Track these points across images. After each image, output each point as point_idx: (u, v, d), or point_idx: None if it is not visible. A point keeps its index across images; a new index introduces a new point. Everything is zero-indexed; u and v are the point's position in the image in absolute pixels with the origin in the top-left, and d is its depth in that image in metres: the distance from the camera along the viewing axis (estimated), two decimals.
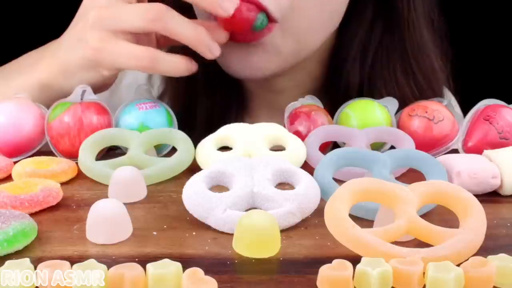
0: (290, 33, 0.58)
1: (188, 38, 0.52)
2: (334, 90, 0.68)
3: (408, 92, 0.66)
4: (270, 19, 0.56)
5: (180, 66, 0.53)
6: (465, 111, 0.55)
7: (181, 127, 0.54)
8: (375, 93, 0.66)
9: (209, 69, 0.67)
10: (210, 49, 0.53)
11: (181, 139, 0.51)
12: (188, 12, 0.58)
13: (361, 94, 0.66)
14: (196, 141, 0.51)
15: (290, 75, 0.67)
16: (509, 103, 0.54)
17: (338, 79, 0.68)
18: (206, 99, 0.69)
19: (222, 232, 0.40)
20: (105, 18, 0.52)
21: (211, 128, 0.52)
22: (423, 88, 0.67)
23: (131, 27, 0.52)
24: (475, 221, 0.37)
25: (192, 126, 0.66)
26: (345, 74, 0.67)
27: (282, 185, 0.44)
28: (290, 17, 0.57)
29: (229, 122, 0.53)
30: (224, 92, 0.70)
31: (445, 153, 0.52)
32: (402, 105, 0.58)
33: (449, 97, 0.71)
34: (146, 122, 0.53)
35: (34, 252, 0.37)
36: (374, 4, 0.66)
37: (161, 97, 0.71)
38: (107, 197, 0.44)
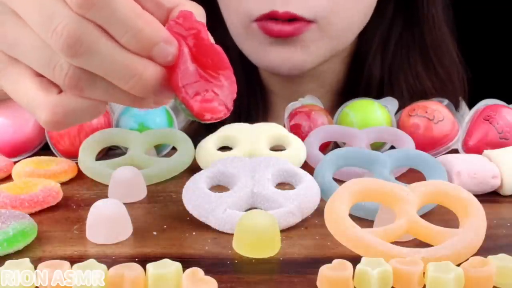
0: (328, 32, 0.59)
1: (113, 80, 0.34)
2: (355, 87, 0.68)
3: (429, 84, 0.67)
4: (305, 20, 0.57)
5: (93, 112, 0.35)
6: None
7: (207, 129, 0.53)
8: (395, 87, 0.67)
9: (235, 70, 0.67)
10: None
11: (181, 139, 0.51)
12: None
13: (382, 89, 0.67)
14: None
15: (316, 77, 0.68)
16: (509, 103, 0.54)
17: (360, 74, 0.69)
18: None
19: (222, 232, 0.40)
20: None
21: None
22: (444, 81, 0.68)
23: (31, 64, 0.35)
24: (475, 221, 0.37)
25: (221, 124, 0.67)
26: (367, 69, 0.68)
27: (282, 185, 0.44)
28: (329, 18, 0.58)
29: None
30: (250, 94, 0.71)
31: (445, 153, 0.52)
32: (424, 98, 0.58)
33: (464, 106, 0.72)
34: (146, 122, 0.53)
35: (34, 252, 0.37)
36: (395, 0, 0.67)
37: None
38: (107, 197, 0.44)
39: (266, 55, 0.61)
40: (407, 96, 0.66)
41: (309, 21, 0.57)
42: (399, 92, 0.66)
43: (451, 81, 0.69)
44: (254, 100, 0.71)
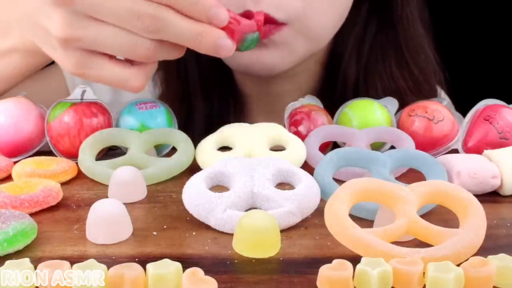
0: (302, 33, 0.58)
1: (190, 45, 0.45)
2: (331, 88, 0.68)
3: (404, 85, 0.67)
4: (277, 22, 0.56)
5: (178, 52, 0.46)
6: (464, 111, 0.55)
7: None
8: (370, 88, 0.66)
9: (205, 73, 0.67)
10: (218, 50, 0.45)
11: (181, 139, 0.51)
12: None
13: (357, 90, 0.66)
14: (195, 144, 0.50)
15: (291, 78, 0.67)
16: (509, 103, 0.54)
17: (335, 76, 0.68)
18: (203, 104, 0.69)
19: (222, 232, 0.40)
20: (78, 39, 0.43)
21: (210, 133, 0.52)
22: (419, 81, 0.68)
23: (114, 52, 0.44)
24: (475, 221, 0.37)
25: (191, 131, 0.66)
26: (342, 71, 0.68)
27: (282, 185, 0.44)
28: (301, 18, 0.57)
29: None
30: (221, 97, 0.70)
31: (445, 153, 0.52)
32: (399, 99, 0.58)
33: (443, 96, 0.72)
34: (146, 122, 0.53)
35: (34, 252, 0.37)
36: (369, 0, 0.67)
37: (160, 98, 0.71)
38: (107, 197, 0.44)
39: (237, 55, 0.59)
40: (383, 96, 0.65)
41: (281, 23, 0.56)
42: (374, 93, 0.65)
43: (427, 81, 0.69)
44: (225, 102, 0.70)
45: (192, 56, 0.66)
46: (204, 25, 0.43)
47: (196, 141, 0.51)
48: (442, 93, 0.72)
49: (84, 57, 0.44)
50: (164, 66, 0.69)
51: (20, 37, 0.52)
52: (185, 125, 0.65)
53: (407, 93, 0.66)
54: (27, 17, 0.46)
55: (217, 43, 0.44)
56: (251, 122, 0.57)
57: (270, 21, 0.56)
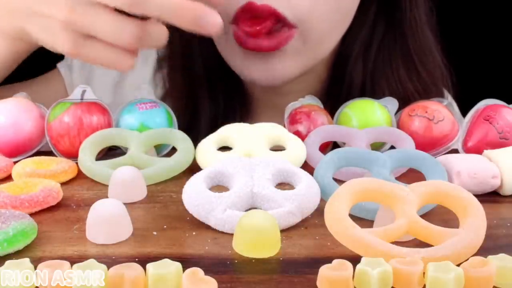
0: (309, 37, 0.58)
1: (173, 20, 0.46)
2: (337, 90, 0.68)
3: (411, 88, 0.67)
4: (289, 25, 0.56)
5: (162, 39, 0.47)
6: (465, 111, 0.55)
7: (185, 132, 0.53)
8: (377, 91, 0.66)
9: (211, 72, 0.67)
10: (206, 26, 0.45)
11: (181, 139, 0.51)
12: None
13: (363, 92, 0.66)
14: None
15: (298, 79, 0.67)
16: (509, 103, 0.54)
17: (341, 79, 0.68)
18: (209, 105, 0.69)
19: (222, 232, 0.40)
20: (78, 22, 0.46)
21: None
22: (427, 84, 0.68)
23: (103, 37, 0.46)
24: (475, 221, 0.37)
25: (196, 131, 0.66)
26: (348, 73, 0.68)
27: (282, 185, 0.44)
28: (308, 21, 0.57)
29: None
30: (227, 97, 0.70)
31: (445, 153, 0.52)
32: (406, 102, 0.58)
33: (450, 99, 0.72)
34: (146, 122, 0.53)
35: (34, 252, 0.37)
36: (376, 3, 0.66)
37: (163, 98, 0.71)
38: (107, 197, 0.44)
39: (244, 67, 0.60)
40: None
41: (292, 25, 0.56)
42: (381, 95, 0.65)
43: (435, 84, 0.68)
44: (231, 102, 0.70)
45: (198, 55, 0.66)
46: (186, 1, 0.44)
47: (201, 140, 0.51)
48: (449, 97, 0.72)
49: (80, 39, 0.47)
50: (169, 64, 0.70)
51: (5, 23, 0.52)
52: (190, 125, 0.65)
53: (415, 97, 0.65)
54: (26, 7, 0.49)
55: (200, 18, 0.44)
56: (256, 122, 0.57)
57: (279, 19, 0.55)
